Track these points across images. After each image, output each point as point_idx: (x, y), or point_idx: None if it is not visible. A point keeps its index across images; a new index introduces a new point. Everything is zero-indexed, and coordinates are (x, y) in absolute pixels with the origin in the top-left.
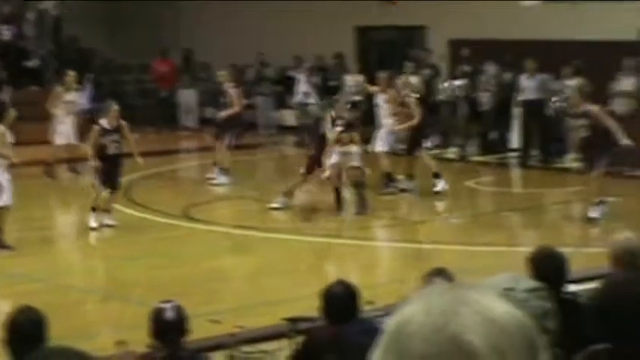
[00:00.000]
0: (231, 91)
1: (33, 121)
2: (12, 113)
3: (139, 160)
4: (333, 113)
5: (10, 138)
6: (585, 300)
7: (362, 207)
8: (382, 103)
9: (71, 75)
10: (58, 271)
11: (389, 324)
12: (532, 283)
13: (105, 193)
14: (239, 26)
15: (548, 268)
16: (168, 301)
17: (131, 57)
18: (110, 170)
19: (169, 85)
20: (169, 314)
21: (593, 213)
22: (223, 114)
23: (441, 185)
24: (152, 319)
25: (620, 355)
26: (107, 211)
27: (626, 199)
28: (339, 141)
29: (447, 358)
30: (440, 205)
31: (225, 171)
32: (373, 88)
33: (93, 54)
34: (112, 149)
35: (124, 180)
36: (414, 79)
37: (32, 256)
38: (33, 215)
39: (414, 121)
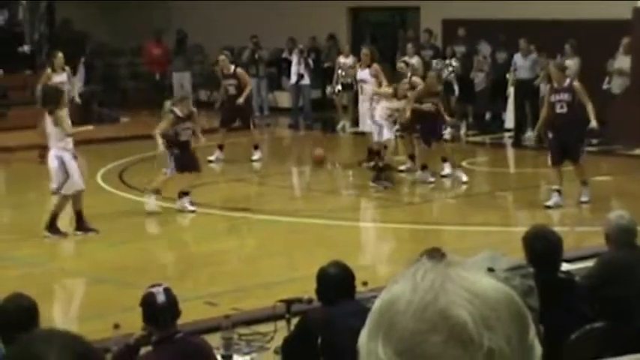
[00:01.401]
0: (239, 71)
1: (26, 106)
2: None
3: (202, 138)
4: None
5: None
6: (580, 279)
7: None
8: (368, 77)
9: (59, 57)
10: (54, 255)
11: (376, 303)
12: (511, 262)
13: (185, 175)
14: (232, 8)
15: (542, 247)
16: (158, 285)
17: (124, 40)
18: (185, 155)
19: (163, 68)
20: (160, 298)
21: (584, 197)
22: (242, 99)
23: (447, 170)
24: (143, 303)
25: (614, 333)
26: (187, 194)
27: (617, 178)
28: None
29: (436, 333)
30: (434, 186)
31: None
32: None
33: (86, 37)
34: (184, 136)
35: (120, 163)
36: (414, 60)
37: (26, 240)
38: (28, 199)
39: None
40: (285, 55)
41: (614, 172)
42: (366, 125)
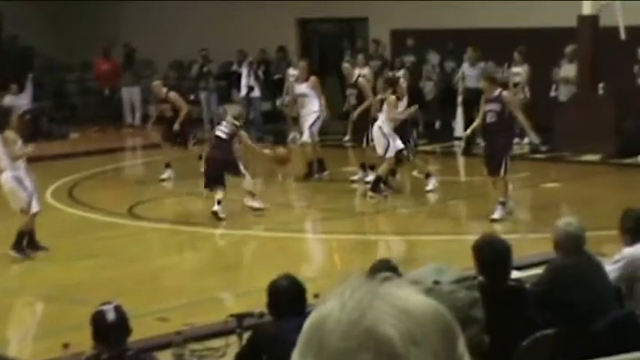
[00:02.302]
0: (172, 95)
1: None
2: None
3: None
4: None
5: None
6: (530, 286)
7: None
8: (307, 91)
9: None
10: (2, 274)
11: (306, 323)
12: (457, 274)
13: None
14: (181, 22)
15: (491, 256)
16: (108, 302)
17: (73, 55)
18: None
19: (112, 83)
20: (110, 315)
21: (495, 214)
22: (177, 125)
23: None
24: (93, 321)
25: (565, 339)
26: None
27: (566, 184)
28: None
29: (363, 351)
30: (388, 196)
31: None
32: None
33: (34, 53)
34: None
35: (70, 180)
36: (364, 71)
37: None
38: None
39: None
40: (234, 67)
41: (562, 178)
42: (305, 137)
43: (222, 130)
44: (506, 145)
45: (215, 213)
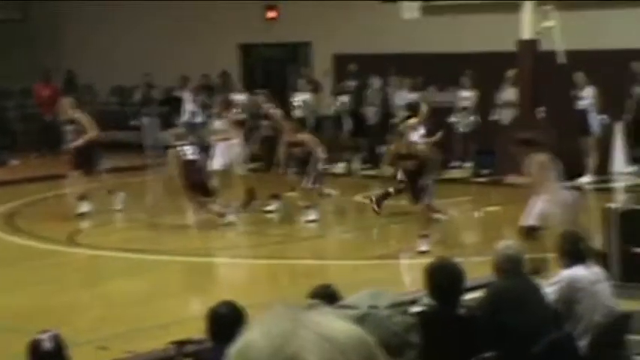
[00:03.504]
0: (79, 116)
1: None
2: None
3: None
4: None
5: None
6: (472, 310)
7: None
8: (226, 126)
9: None
10: None
11: (231, 351)
12: (393, 298)
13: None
14: (123, 47)
15: (445, 280)
16: (46, 331)
17: (13, 81)
18: None
19: (53, 109)
20: (46, 345)
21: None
22: (78, 142)
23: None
24: (29, 351)
25: None
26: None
27: (507, 207)
28: None
29: None
30: (328, 221)
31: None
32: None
33: None
34: None
35: (9, 207)
36: (307, 96)
37: None
38: None
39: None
40: (177, 93)
41: (503, 201)
42: (216, 164)
43: (190, 153)
44: (426, 175)
45: (229, 222)
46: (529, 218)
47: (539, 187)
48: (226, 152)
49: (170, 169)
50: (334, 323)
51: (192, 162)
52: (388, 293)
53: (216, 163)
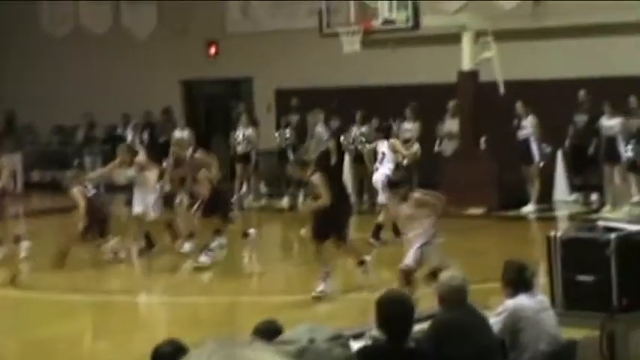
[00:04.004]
0: None
1: None
2: None
3: None
4: None
5: None
6: (420, 342)
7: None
8: (136, 174)
9: None
10: None
11: None
12: (330, 332)
13: None
14: (63, 86)
15: (396, 313)
16: None
17: None
18: None
19: None
20: None
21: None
22: None
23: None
24: None
25: None
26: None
27: (451, 238)
28: None
29: None
30: (274, 256)
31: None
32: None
33: None
34: None
35: None
36: (249, 131)
37: None
38: None
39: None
40: (119, 131)
41: (447, 232)
42: (138, 207)
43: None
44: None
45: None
46: (407, 259)
47: (415, 225)
48: (142, 198)
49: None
50: (265, 357)
51: (93, 199)
52: (325, 327)
53: (136, 207)
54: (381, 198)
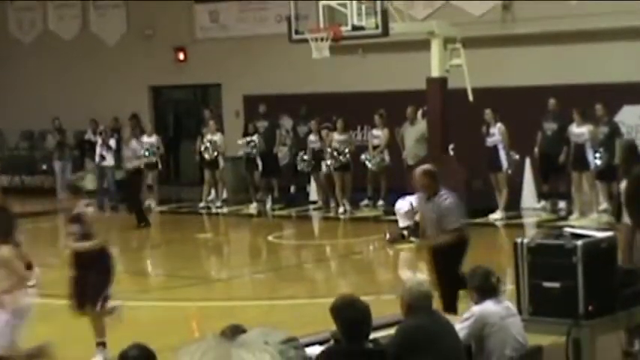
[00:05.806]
0: None
1: None
2: None
3: None
4: None
5: None
6: (380, 345)
7: None
8: None
9: None
10: None
11: None
12: (283, 335)
13: None
14: (31, 91)
15: (351, 316)
16: None
17: None
18: None
19: None
20: None
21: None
22: None
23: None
24: None
25: None
26: None
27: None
28: None
29: None
30: (241, 262)
31: None
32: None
33: None
34: None
35: None
36: (217, 137)
37: None
38: None
39: None
40: (88, 136)
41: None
42: None
43: None
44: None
45: None
46: None
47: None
48: None
49: None
50: (260, 356)
51: None
52: (278, 331)
53: None
54: None
